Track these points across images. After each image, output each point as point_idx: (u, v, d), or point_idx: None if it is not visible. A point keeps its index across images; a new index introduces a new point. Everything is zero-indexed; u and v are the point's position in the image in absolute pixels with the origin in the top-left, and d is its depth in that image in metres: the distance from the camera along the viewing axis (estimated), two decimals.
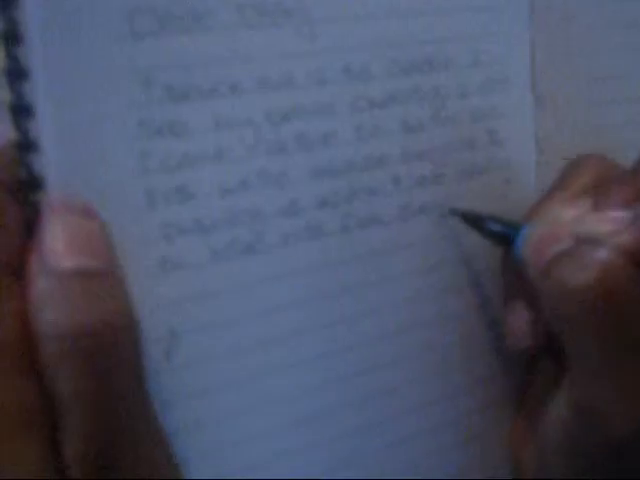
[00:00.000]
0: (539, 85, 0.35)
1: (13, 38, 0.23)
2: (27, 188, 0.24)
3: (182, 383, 0.27)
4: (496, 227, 0.32)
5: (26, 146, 0.24)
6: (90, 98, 0.25)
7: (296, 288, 0.29)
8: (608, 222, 0.29)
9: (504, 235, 0.32)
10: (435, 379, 0.34)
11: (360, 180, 0.31)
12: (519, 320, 0.32)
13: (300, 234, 0.29)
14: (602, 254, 0.28)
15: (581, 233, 0.29)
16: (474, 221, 0.33)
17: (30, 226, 0.24)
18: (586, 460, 0.30)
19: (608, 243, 0.28)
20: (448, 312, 0.34)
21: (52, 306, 0.23)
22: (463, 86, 0.33)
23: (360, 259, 0.31)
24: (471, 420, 0.35)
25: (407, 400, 0.33)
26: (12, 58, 0.23)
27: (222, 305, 0.28)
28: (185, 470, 0.26)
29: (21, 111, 0.24)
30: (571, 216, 0.30)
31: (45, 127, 0.24)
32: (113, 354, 0.23)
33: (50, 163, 0.24)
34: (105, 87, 0.25)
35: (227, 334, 0.28)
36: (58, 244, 0.23)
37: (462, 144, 0.33)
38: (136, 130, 0.26)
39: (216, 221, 0.27)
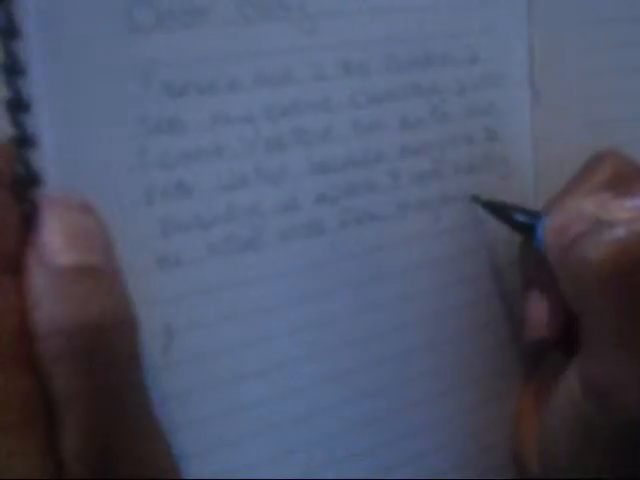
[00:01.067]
0: (537, 81, 0.35)
1: (10, 33, 0.23)
2: (25, 184, 0.24)
3: (179, 379, 0.27)
4: (518, 216, 0.33)
5: (23, 142, 0.24)
6: (88, 93, 0.25)
7: (295, 284, 0.29)
8: (627, 210, 0.29)
9: (526, 224, 0.32)
10: (436, 375, 0.34)
11: (358, 175, 0.31)
12: (537, 310, 0.33)
13: (299, 230, 0.29)
14: (621, 232, 0.28)
15: (601, 218, 0.29)
16: (496, 209, 0.33)
17: (28, 222, 0.24)
18: (593, 442, 0.30)
19: (628, 225, 0.28)
20: (448, 307, 0.34)
21: (50, 302, 0.23)
22: (461, 82, 0.33)
23: (359, 255, 0.31)
24: (475, 413, 0.35)
25: (410, 395, 0.33)
26: (9, 53, 0.23)
27: (220, 301, 0.28)
28: (183, 466, 0.26)
29: (18, 106, 0.23)
30: (590, 207, 0.30)
31: (43, 123, 0.24)
32: (111, 350, 0.23)
33: (48, 159, 0.24)
34: (103, 82, 0.25)
35: (225, 330, 0.28)
36: (56, 240, 0.23)
37: (460, 140, 0.33)
38: (134, 126, 0.25)
39: (215, 217, 0.27)
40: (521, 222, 0.33)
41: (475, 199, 0.34)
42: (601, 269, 0.28)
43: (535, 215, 0.32)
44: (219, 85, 0.27)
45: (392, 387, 0.32)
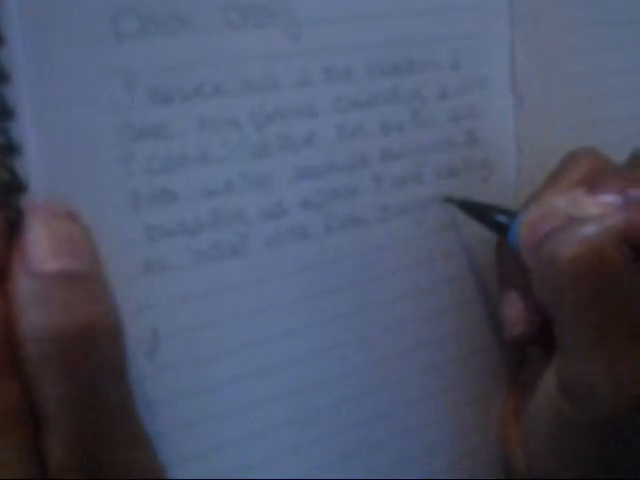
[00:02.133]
0: (518, 85, 0.35)
1: None
2: (9, 191, 0.24)
3: (165, 385, 0.27)
4: (493, 215, 0.33)
5: (8, 149, 0.24)
6: (73, 100, 0.24)
7: (280, 290, 0.29)
8: (599, 205, 0.30)
9: (501, 223, 0.33)
10: (423, 376, 0.34)
11: (342, 180, 0.31)
12: (514, 308, 0.33)
13: (284, 235, 0.29)
14: (591, 229, 0.29)
15: (573, 214, 0.30)
16: (471, 209, 0.34)
17: (13, 229, 0.24)
18: (572, 439, 0.31)
19: (598, 222, 0.29)
20: (432, 309, 0.34)
21: (35, 308, 0.23)
22: (443, 87, 0.33)
23: (343, 259, 0.31)
24: (464, 413, 0.35)
25: (397, 397, 0.33)
26: None
27: (206, 307, 0.28)
28: (170, 472, 0.26)
29: (3, 113, 0.23)
30: (563, 203, 0.31)
31: (27, 130, 0.24)
32: (96, 356, 0.23)
33: (33, 166, 0.24)
34: (88, 89, 0.25)
35: (211, 336, 0.28)
36: (41, 247, 0.23)
37: (442, 144, 0.34)
38: (119, 132, 0.25)
39: (200, 223, 0.27)
40: (496, 221, 0.33)
41: (449, 200, 0.34)
42: (571, 267, 0.28)
43: (510, 214, 0.33)
44: (204, 91, 0.27)
45: (379, 389, 0.33)
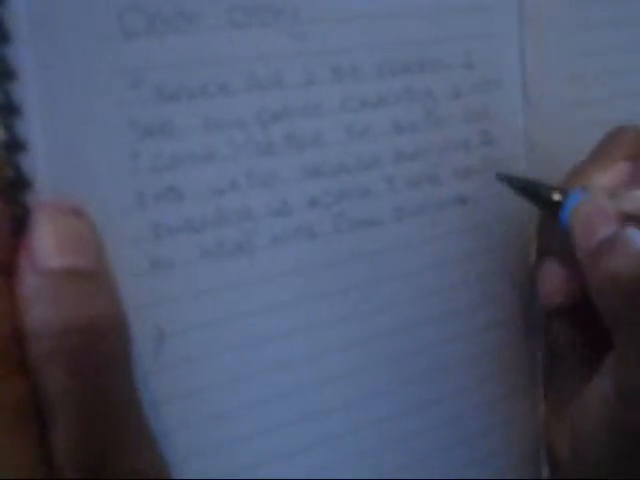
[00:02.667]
0: (529, 86, 0.35)
1: (1, 38, 0.23)
2: (16, 188, 0.24)
3: (170, 382, 0.27)
4: (542, 192, 0.33)
5: (14, 146, 0.24)
6: (79, 98, 0.25)
7: (286, 289, 0.29)
8: None
9: (549, 200, 0.33)
10: (438, 376, 0.34)
11: (352, 180, 0.31)
12: (553, 277, 0.33)
13: (290, 234, 0.29)
14: None
15: (625, 209, 0.30)
16: (520, 186, 0.34)
17: (19, 225, 0.24)
18: (625, 441, 0.30)
19: None
20: (445, 311, 0.34)
21: (41, 305, 0.23)
22: (455, 87, 0.33)
23: (352, 260, 0.31)
24: (486, 413, 0.35)
25: (411, 397, 0.33)
26: (0, 57, 0.23)
27: (211, 305, 0.28)
28: (174, 470, 0.26)
29: (9, 111, 0.23)
30: (611, 181, 0.31)
31: (33, 127, 0.24)
32: (101, 353, 0.23)
33: (39, 163, 0.24)
34: (94, 87, 0.25)
35: (216, 334, 0.28)
36: (47, 243, 0.23)
37: (455, 145, 0.34)
38: (126, 130, 0.26)
39: (206, 221, 0.27)
40: (545, 198, 0.33)
41: (500, 176, 0.34)
42: (633, 286, 0.29)
43: (559, 191, 0.33)
44: (210, 90, 0.27)
45: (388, 389, 0.32)
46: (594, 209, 0.31)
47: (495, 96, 0.34)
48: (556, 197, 0.32)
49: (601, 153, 0.33)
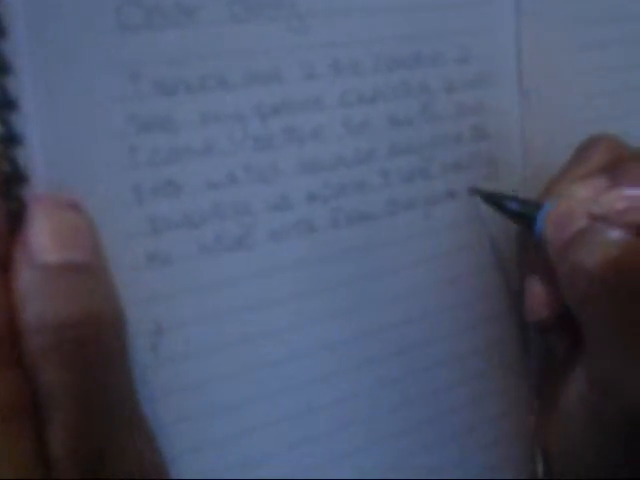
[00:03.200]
0: (525, 80, 0.35)
1: None
2: (12, 182, 0.24)
3: (168, 377, 0.27)
4: (516, 206, 0.33)
5: (11, 140, 0.24)
6: (77, 91, 0.24)
7: (284, 283, 0.29)
8: (623, 200, 0.30)
9: (524, 214, 0.33)
10: (434, 371, 0.34)
11: (349, 174, 0.31)
12: (537, 294, 0.33)
13: (289, 229, 0.29)
14: (616, 233, 0.29)
15: (596, 211, 0.30)
16: (494, 201, 0.34)
17: (15, 220, 0.24)
18: (605, 432, 0.31)
19: (622, 221, 0.29)
20: (440, 305, 0.34)
21: (38, 299, 0.23)
22: (451, 81, 0.33)
23: (350, 253, 0.31)
24: (471, 412, 0.35)
25: (407, 392, 0.33)
26: None
27: (209, 300, 0.28)
28: (171, 465, 0.26)
29: (5, 104, 0.23)
30: (587, 193, 0.31)
31: (30, 121, 0.24)
32: (98, 347, 0.23)
33: (35, 157, 0.24)
34: (92, 81, 0.25)
35: (214, 328, 0.28)
36: (44, 238, 0.23)
37: (449, 139, 0.33)
38: (124, 124, 0.25)
39: (204, 215, 0.27)
40: (519, 212, 0.33)
41: (474, 191, 0.34)
42: (599, 273, 0.29)
43: (533, 205, 0.33)
44: (209, 83, 0.27)
45: (385, 384, 0.33)
46: (565, 210, 0.31)
47: (491, 91, 0.34)
48: (531, 210, 0.33)
49: (576, 164, 0.33)
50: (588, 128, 0.34)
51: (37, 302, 0.23)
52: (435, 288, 0.34)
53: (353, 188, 0.31)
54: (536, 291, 0.33)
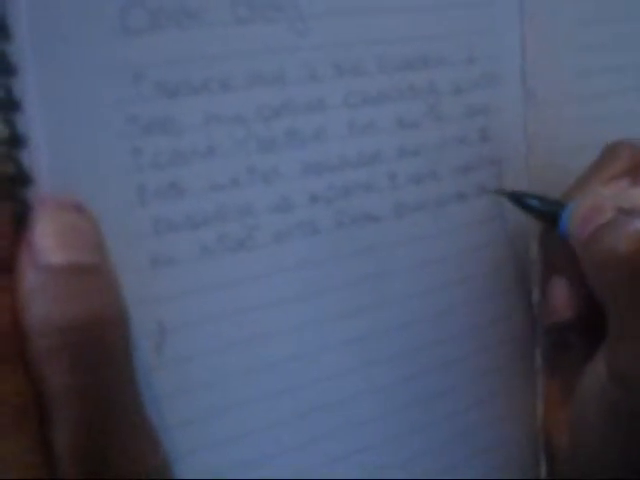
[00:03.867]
0: (529, 81, 0.35)
1: (1, 33, 0.23)
2: (16, 184, 0.24)
3: (172, 378, 0.27)
4: (541, 205, 0.34)
5: (15, 141, 0.24)
6: (80, 93, 0.25)
7: (288, 284, 0.29)
8: None
9: (549, 212, 0.33)
10: (440, 372, 0.34)
11: (354, 176, 0.31)
12: (558, 293, 0.34)
13: (292, 230, 0.29)
14: None
15: (623, 206, 0.31)
16: (519, 199, 0.34)
17: (20, 221, 0.24)
18: (622, 427, 0.31)
19: None
20: (448, 307, 0.34)
21: (42, 301, 0.23)
22: (457, 82, 0.33)
23: (354, 256, 0.31)
24: (479, 412, 0.35)
25: (410, 394, 0.33)
26: (0, 53, 0.23)
27: (213, 301, 0.28)
28: (175, 466, 0.26)
29: (9, 106, 0.23)
30: (611, 193, 0.32)
31: (34, 122, 0.24)
32: (102, 349, 0.23)
33: (39, 158, 0.24)
34: (96, 83, 0.25)
35: (217, 330, 0.28)
36: (48, 239, 0.23)
37: (456, 140, 0.33)
38: (127, 126, 0.26)
39: (207, 217, 0.27)
40: (544, 211, 0.34)
41: (499, 192, 0.34)
42: (628, 262, 0.29)
43: (558, 204, 0.33)
44: (212, 85, 0.27)
45: (390, 385, 0.33)
46: (592, 204, 0.31)
47: (496, 91, 0.34)
48: (556, 209, 0.33)
49: (600, 168, 0.34)
50: (592, 129, 0.34)
51: (42, 303, 0.23)
52: (442, 290, 0.34)
53: (358, 190, 0.31)
54: (558, 292, 0.34)
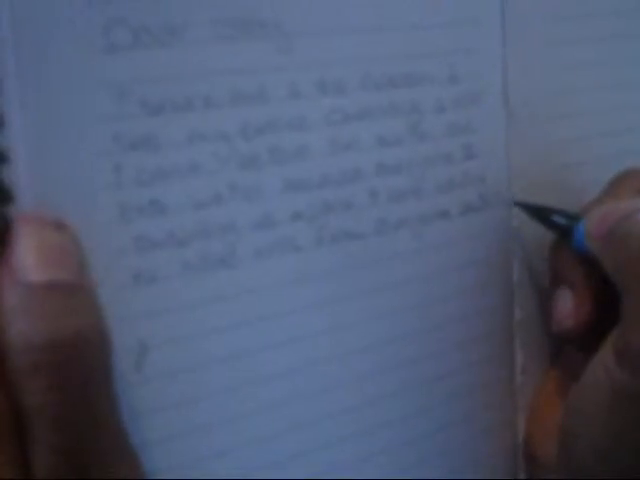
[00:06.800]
0: (511, 99, 0.35)
1: None
2: None
3: (152, 395, 0.27)
4: (558, 218, 0.35)
5: None
6: (63, 110, 0.25)
7: (269, 301, 0.29)
8: None
9: (564, 225, 0.35)
10: (427, 387, 0.34)
11: (335, 194, 0.31)
12: (565, 303, 0.35)
13: (273, 247, 0.29)
14: None
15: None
16: (535, 212, 0.35)
17: (1, 238, 0.24)
18: (627, 413, 0.31)
19: None
20: (429, 324, 0.34)
21: (22, 318, 0.23)
22: (439, 101, 0.33)
23: (335, 273, 0.31)
24: (471, 422, 0.35)
25: (399, 407, 0.33)
26: None
27: (194, 318, 0.28)
28: None
29: None
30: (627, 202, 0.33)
31: (16, 139, 0.24)
32: (82, 367, 0.23)
33: (21, 175, 0.24)
34: (79, 100, 0.25)
35: (199, 347, 0.28)
36: (29, 257, 0.23)
37: (438, 158, 0.34)
38: (110, 143, 0.26)
39: (189, 234, 0.27)
40: (560, 224, 0.35)
41: (518, 203, 0.35)
42: None
43: (572, 217, 0.34)
44: (195, 103, 0.27)
45: (377, 400, 0.33)
46: (608, 209, 0.33)
47: (478, 110, 0.34)
48: (570, 222, 0.34)
49: (613, 191, 0.35)
50: (573, 147, 0.35)
51: (22, 321, 0.23)
52: (424, 308, 0.34)
53: (339, 207, 0.31)
54: (562, 304, 0.35)
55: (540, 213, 0.35)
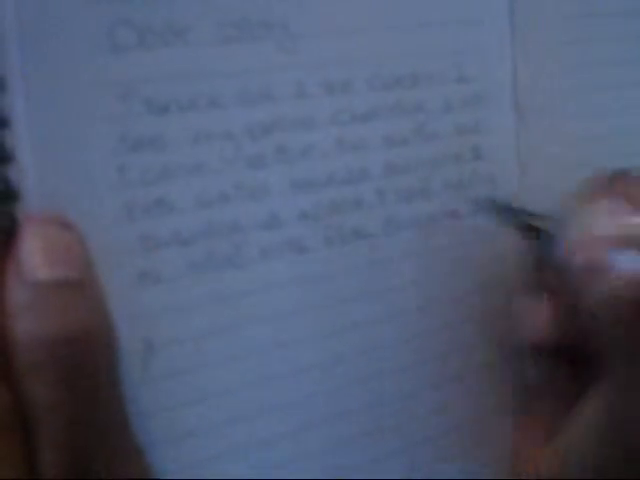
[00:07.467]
0: (520, 99, 0.35)
1: None
2: (3, 200, 0.24)
3: (158, 395, 0.27)
4: (534, 222, 0.33)
5: (2, 158, 0.24)
6: (69, 110, 0.25)
7: (275, 301, 0.29)
8: None
9: (539, 229, 0.32)
10: (426, 393, 0.34)
11: (342, 193, 0.31)
12: (539, 312, 0.32)
13: (280, 247, 0.29)
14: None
15: (619, 237, 0.28)
16: (511, 214, 0.33)
17: (7, 237, 0.24)
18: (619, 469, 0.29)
19: None
20: (438, 325, 0.34)
21: (29, 316, 0.23)
22: (446, 101, 0.33)
23: (343, 273, 0.31)
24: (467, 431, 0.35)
25: (398, 412, 0.33)
26: None
27: (200, 317, 0.28)
28: None
29: None
30: (611, 219, 0.30)
31: (22, 138, 0.24)
32: (88, 364, 0.23)
33: (27, 175, 0.24)
34: (84, 100, 0.25)
35: (205, 347, 0.28)
36: (35, 256, 0.23)
37: (447, 159, 0.34)
38: (115, 143, 0.26)
39: (195, 234, 0.27)
40: (534, 227, 0.33)
41: (491, 204, 0.34)
42: (624, 309, 0.27)
43: (552, 221, 0.32)
44: (200, 103, 0.27)
45: (379, 403, 0.32)
46: (587, 234, 0.30)
47: (486, 110, 0.34)
48: (546, 227, 0.32)
49: (596, 198, 0.32)
50: (583, 147, 0.34)
51: (28, 318, 0.23)
52: (434, 307, 0.34)
53: (347, 207, 0.31)
54: (538, 311, 0.33)
55: (515, 215, 0.33)
